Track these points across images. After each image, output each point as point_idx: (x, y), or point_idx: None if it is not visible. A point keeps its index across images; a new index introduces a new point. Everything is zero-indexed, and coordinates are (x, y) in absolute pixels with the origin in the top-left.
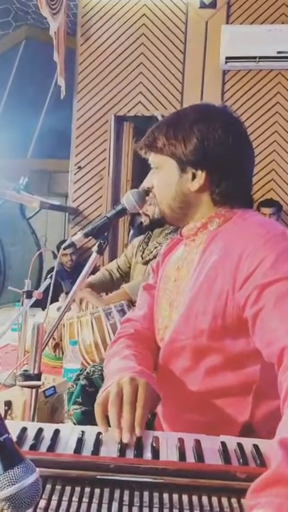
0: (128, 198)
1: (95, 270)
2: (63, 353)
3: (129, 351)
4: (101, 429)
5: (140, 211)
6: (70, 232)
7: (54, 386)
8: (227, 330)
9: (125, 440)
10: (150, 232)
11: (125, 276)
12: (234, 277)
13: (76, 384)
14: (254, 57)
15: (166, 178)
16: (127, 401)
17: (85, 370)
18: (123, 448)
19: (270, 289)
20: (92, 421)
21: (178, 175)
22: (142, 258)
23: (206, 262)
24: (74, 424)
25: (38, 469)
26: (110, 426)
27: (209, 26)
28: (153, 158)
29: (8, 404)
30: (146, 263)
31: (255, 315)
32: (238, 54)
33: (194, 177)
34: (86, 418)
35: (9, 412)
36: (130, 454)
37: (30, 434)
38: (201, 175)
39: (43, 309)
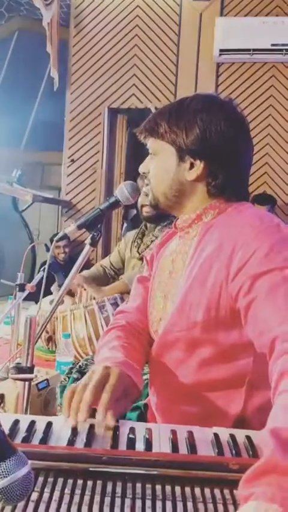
0: (122, 190)
1: (87, 264)
2: (56, 346)
3: (118, 342)
4: (65, 414)
5: (140, 204)
6: (63, 226)
7: (47, 379)
8: (220, 321)
9: (79, 419)
10: (144, 227)
11: (119, 272)
12: (228, 269)
13: (69, 377)
14: (248, 50)
15: (163, 165)
16: (89, 387)
17: (78, 363)
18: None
19: (262, 280)
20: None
21: (176, 163)
22: (139, 253)
23: (200, 254)
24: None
25: (30, 462)
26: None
27: (203, 18)
28: (152, 143)
29: (1, 397)
30: (142, 258)
31: (247, 305)
32: (232, 47)
33: (191, 166)
34: None
35: (1, 405)
36: (122, 445)
37: (23, 426)
38: (199, 166)
39: (36, 302)
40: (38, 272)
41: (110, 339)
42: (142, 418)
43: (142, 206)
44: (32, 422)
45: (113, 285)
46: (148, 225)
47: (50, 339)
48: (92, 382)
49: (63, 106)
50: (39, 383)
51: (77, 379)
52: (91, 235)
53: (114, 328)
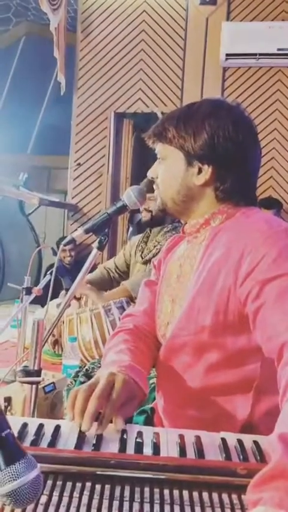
0: (129, 195)
1: (93, 267)
2: (62, 349)
3: (125, 345)
4: (70, 418)
5: (141, 208)
6: (69, 229)
7: (53, 383)
8: (228, 326)
9: (83, 429)
10: (148, 231)
11: (123, 275)
12: (236, 273)
13: (75, 381)
14: (254, 54)
15: (172, 170)
16: (95, 395)
17: (84, 367)
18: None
19: (271, 285)
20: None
21: (184, 168)
22: (142, 257)
23: (208, 259)
24: None
25: (39, 465)
26: None
27: (209, 23)
28: (160, 148)
29: (8, 400)
30: (146, 262)
31: (256, 311)
32: (238, 51)
33: (200, 171)
34: None
35: (8, 408)
36: (130, 449)
37: (31, 430)
38: (207, 170)
39: (42, 306)
40: (44, 275)
41: (117, 342)
42: (149, 422)
43: (143, 210)
44: (41, 426)
45: (114, 290)
46: (153, 229)
47: (56, 342)
48: (97, 391)
49: (69, 110)
50: (45, 386)
51: (84, 383)
52: (98, 239)
53: (121, 331)
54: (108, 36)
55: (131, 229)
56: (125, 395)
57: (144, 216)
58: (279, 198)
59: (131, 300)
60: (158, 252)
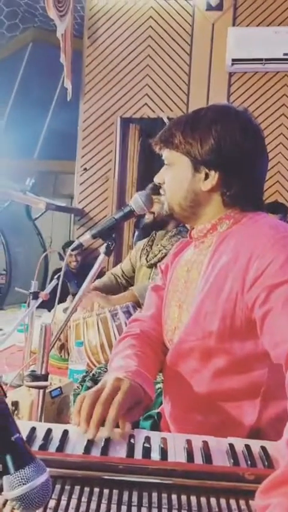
0: (136, 200)
1: (99, 272)
2: (68, 354)
3: (131, 350)
4: (75, 423)
5: (138, 229)
6: (75, 234)
7: (60, 387)
8: (235, 331)
9: (89, 437)
10: (154, 235)
11: (131, 280)
12: (244, 279)
13: (82, 386)
14: (260, 59)
15: (179, 175)
16: (100, 401)
17: (91, 371)
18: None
19: (279, 291)
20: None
21: (191, 173)
22: (147, 261)
23: (215, 264)
24: None
25: (48, 469)
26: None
27: (215, 28)
28: (167, 154)
29: (15, 404)
30: (151, 266)
31: (263, 316)
32: (244, 56)
33: (206, 177)
34: None
35: (16, 412)
36: (138, 454)
37: (40, 434)
38: (214, 176)
39: (49, 310)
40: (50, 280)
41: (123, 347)
42: (155, 427)
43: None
44: (49, 430)
45: (122, 295)
46: (157, 233)
47: (63, 347)
48: (102, 396)
49: (76, 116)
50: (52, 391)
51: (91, 388)
52: (105, 244)
53: (128, 336)
54: (114, 42)
55: (136, 233)
56: (130, 400)
57: (147, 218)
58: (286, 203)
59: (138, 305)
60: (163, 256)
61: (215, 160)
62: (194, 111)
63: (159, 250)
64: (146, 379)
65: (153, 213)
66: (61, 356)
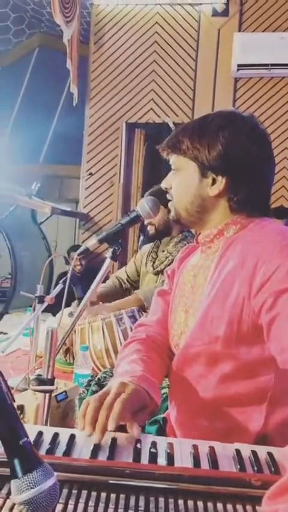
0: (142, 206)
1: (105, 278)
2: (73, 358)
3: (137, 355)
4: (80, 428)
5: (145, 222)
6: (80, 238)
7: (65, 391)
8: (242, 336)
9: (95, 441)
10: (158, 241)
11: (135, 284)
12: (250, 284)
13: (87, 390)
14: (266, 65)
15: (186, 181)
16: (105, 405)
17: (96, 376)
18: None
19: (285, 296)
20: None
21: (198, 179)
22: (153, 268)
23: (222, 269)
24: None
25: (55, 473)
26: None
27: (221, 34)
28: (174, 160)
29: (21, 408)
30: (157, 273)
31: (270, 322)
32: (250, 62)
33: (214, 182)
34: None
35: (21, 416)
36: (145, 459)
37: (47, 438)
38: (221, 181)
39: (53, 314)
40: (55, 284)
41: (129, 352)
42: (161, 432)
43: (147, 225)
44: (56, 434)
45: (126, 299)
46: (162, 240)
47: (68, 351)
48: (107, 401)
49: (81, 120)
50: (57, 395)
51: (96, 392)
52: (112, 249)
53: (134, 341)
54: (120, 47)
55: (141, 238)
56: (135, 403)
57: (150, 230)
58: None
59: (143, 309)
60: (170, 263)
61: (222, 165)
62: (201, 117)
63: (166, 257)
64: (151, 384)
65: (154, 225)
66: (66, 360)
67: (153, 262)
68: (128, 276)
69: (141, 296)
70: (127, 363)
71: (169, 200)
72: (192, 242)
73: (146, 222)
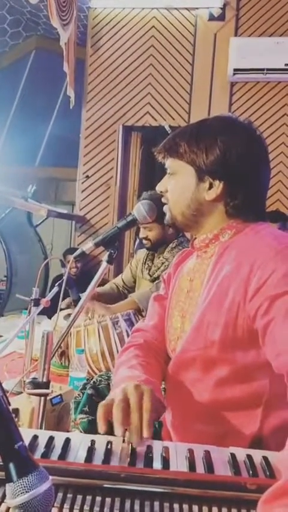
0: (139, 209)
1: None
2: (69, 361)
3: (136, 360)
4: (101, 429)
5: (141, 236)
6: (76, 241)
7: (61, 395)
8: (237, 341)
9: (135, 445)
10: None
11: (132, 290)
12: (246, 288)
13: (83, 393)
14: (262, 69)
15: (182, 184)
16: (134, 409)
17: (92, 379)
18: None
19: (280, 301)
20: (98, 431)
21: (195, 183)
22: (150, 275)
23: (218, 274)
24: (81, 433)
25: (51, 477)
26: (113, 430)
27: (217, 38)
28: (171, 163)
29: (15, 411)
30: (154, 280)
31: (265, 326)
32: (246, 66)
33: (211, 186)
34: (93, 427)
35: (16, 419)
36: (140, 463)
37: (42, 442)
38: (218, 186)
39: (49, 317)
40: (51, 286)
41: (127, 358)
42: (156, 435)
43: (142, 239)
44: (51, 438)
45: (122, 303)
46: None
47: (63, 354)
48: (134, 405)
49: (78, 123)
50: (53, 398)
51: (92, 395)
52: (108, 252)
53: (131, 346)
54: (117, 51)
55: (137, 241)
56: (154, 406)
57: (146, 244)
58: (286, 212)
59: (139, 312)
60: (166, 268)
61: (219, 170)
62: (198, 121)
63: (162, 263)
64: (156, 386)
65: (150, 240)
66: (61, 363)
67: (149, 270)
68: (124, 282)
69: (135, 299)
70: (127, 368)
71: (164, 214)
72: (187, 247)
73: (141, 236)
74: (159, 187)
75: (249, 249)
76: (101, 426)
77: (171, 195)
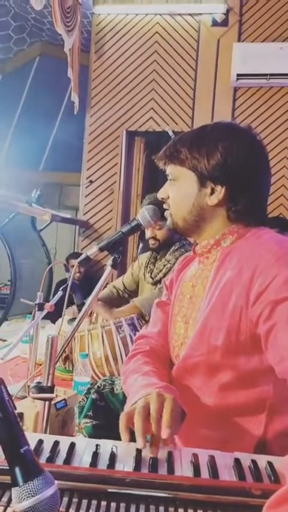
0: (143, 214)
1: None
2: (73, 366)
3: (148, 367)
4: (123, 438)
5: (147, 234)
6: (80, 245)
7: (65, 399)
8: (240, 346)
9: (153, 455)
10: (155, 252)
11: (133, 294)
12: (248, 294)
13: (87, 398)
14: (265, 75)
15: (184, 190)
16: (154, 418)
17: (96, 384)
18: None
19: (283, 306)
20: (102, 435)
21: (197, 188)
22: (152, 278)
23: (220, 279)
24: (85, 437)
25: (56, 482)
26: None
27: (220, 44)
28: (172, 169)
29: (20, 416)
30: (156, 283)
31: (267, 332)
32: (249, 72)
33: (212, 192)
34: (97, 432)
35: (20, 424)
36: (145, 468)
37: (47, 446)
38: (220, 191)
39: (52, 321)
40: (55, 291)
41: (137, 365)
42: None
43: (149, 239)
44: (56, 443)
45: (124, 307)
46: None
47: (67, 358)
48: (154, 414)
49: (82, 128)
50: (57, 403)
51: (96, 400)
52: (112, 257)
53: (138, 353)
54: (121, 56)
55: (141, 245)
56: (177, 414)
57: (153, 244)
58: None
59: (142, 317)
60: (168, 270)
61: (221, 175)
62: (199, 127)
63: (164, 265)
64: (177, 394)
65: (158, 240)
66: (66, 368)
67: (151, 273)
68: (125, 286)
69: (138, 304)
70: (141, 375)
71: (165, 210)
72: (189, 250)
73: (148, 236)
74: (160, 194)
75: (251, 254)
76: (125, 436)
77: (173, 201)
